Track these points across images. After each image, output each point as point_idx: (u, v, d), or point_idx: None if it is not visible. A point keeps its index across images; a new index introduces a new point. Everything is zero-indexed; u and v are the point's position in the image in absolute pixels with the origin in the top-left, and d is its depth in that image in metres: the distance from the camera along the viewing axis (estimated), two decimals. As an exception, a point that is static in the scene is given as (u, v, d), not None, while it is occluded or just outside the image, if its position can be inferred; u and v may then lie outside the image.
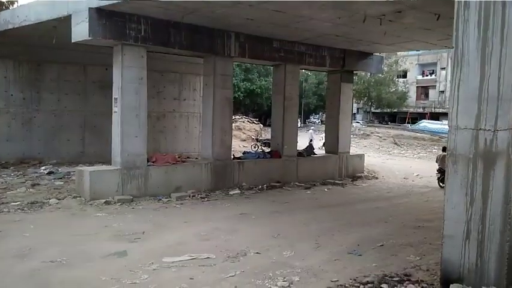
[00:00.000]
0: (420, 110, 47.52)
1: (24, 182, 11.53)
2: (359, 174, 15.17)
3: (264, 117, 40.34)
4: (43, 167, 13.96)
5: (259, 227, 8.45)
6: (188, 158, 12.64)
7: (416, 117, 46.76)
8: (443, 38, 11.99)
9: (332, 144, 15.02)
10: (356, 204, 11.06)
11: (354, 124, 40.80)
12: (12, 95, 14.99)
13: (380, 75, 35.90)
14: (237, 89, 33.97)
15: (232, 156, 12.80)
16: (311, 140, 19.09)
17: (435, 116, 44.70)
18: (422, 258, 6.81)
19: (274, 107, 13.69)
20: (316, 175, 13.94)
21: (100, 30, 9.44)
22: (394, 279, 5.82)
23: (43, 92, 15.55)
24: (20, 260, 6.10)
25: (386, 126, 40.95)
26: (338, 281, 5.75)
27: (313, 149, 14.80)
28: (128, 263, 6.16)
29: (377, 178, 15.15)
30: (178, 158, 11.71)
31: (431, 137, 34.28)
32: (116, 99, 10.37)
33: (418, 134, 34.87)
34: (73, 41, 9.87)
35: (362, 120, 47.63)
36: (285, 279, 5.71)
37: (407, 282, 5.69)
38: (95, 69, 16.33)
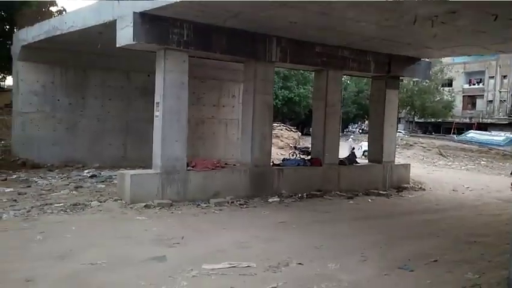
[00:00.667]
0: (467, 120, 45.41)
1: (68, 185, 11.74)
2: (405, 185, 14.46)
3: (301, 125, 39.88)
4: (86, 171, 14.26)
5: (300, 236, 8.10)
6: (226, 164, 12.43)
7: (462, 128, 44.75)
8: (498, 41, 11.26)
9: (376, 153, 14.42)
10: (402, 217, 10.46)
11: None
12: (58, 100, 15.49)
13: (425, 83, 34.62)
14: (275, 96, 33.68)
15: (272, 163, 12.51)
16: (353, 148, 18.50)
17: (483, 127, 42.58)
18: (481, 276, 6.23)
19: (315, 113, 13.32)
20: (359, 184, 13.40)
21: (144, 35, 9.48)
22: (452, 298, 5.31)
23: (88, 97, 15.98)
24: (60, 261, 6.07)
25: (430, 136, 39.36)
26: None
27: (356, 157, 14.27)
28: (168, 269, 5.99)
29: (424, 190, 14.38)
30: (217, 163, 11.54)
31: (479, 148, 32.57)
32: (158, 103, 10.38)
33: (465, 145, 33.23)
34: (117, 46, 9.96)
35: (404, 130, 46.11)
36: (331, 294, 5.34)
37: (467, 302, 5.17)
38: (138, 75, 16.62)
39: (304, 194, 12.06)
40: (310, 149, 22.32)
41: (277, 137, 26.37)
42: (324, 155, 12.86)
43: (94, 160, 15.59)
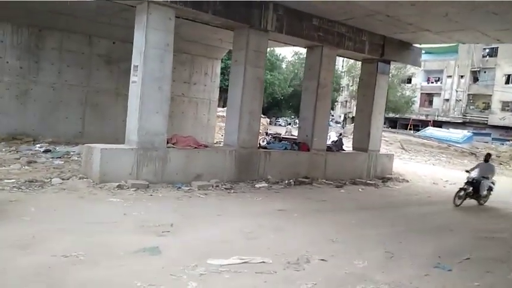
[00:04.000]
0: (423, 118, 46.54)
1: (19, 159, 9.91)
2: (388, 176, 13.85)
3: (268, 113, 38.97)
4: (38, 145, 12.34)
5: (307, 226, 7.04)
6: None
7: (417, 125, 45.80)
8: (503, 28, 10.73)
9: (362, 141, 13.65)
10: (402, 208, 9.71)
11: (342, 127, 39.70)
12: (7, 62, 13.29)
13: (391, 77, 34.71)
14: (225, 84, 32.51)
15: (258, 146, 11.34)
16: (340, 134, 17.70)
17: (438, 125, 43.73)
18: (526, 278, 5.49)
19: (305, 94, 12.24)
20: (345, 173, 12.57)
21: (125, -17, 7.90)
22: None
23: (42, 61, 13.87)
24: (22, 252, 4.58)
25: (391, 131, 39.82)
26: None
27: (343, 144, 13.43)
28: (166, 264, 4.69)
29: (407, 181, 13.83)
30: (200, 142, 10.20)
31: (439, 144, 33.22)
32: (136, 67, 8.83)
33: (426, 141, 33.79)
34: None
35: (346, 125, 46.52)
36: (377, 299, 4.31)
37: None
38: (102, 42, 14.77)
39: (291, 180, 11.02)
40: (281, 135, 21.49)
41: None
42: (312, 140, 11.85)
43: (46, 134, 13.61)
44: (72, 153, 11.59)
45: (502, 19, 9.83)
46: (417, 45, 14.10)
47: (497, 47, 41.52)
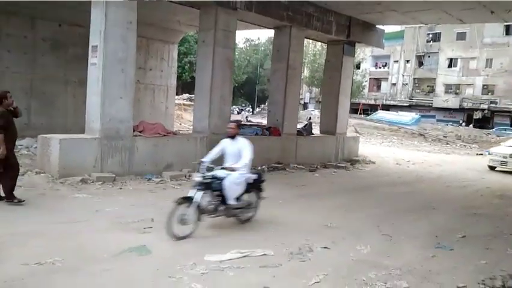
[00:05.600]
0: (372, 102, 47.83)
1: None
2: (355, 158, 13.83)
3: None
4: (-22, 139, 10.97)
5: (297, 213, 6.68)
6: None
7: (367, 109, 47.01)
8: (466, 7, 10.86)
9: (329, 124, 13.47)
10: (379, 189, 9.61)
11: (312, 112, 39.96)
12: None
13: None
14: (181, 69, 31.66)
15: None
16: (310, 118, 17.44)
17: (386, 108, 45.14)
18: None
19: (274, 76, 11.79)
20: (315, 157, 12.35)
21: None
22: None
23: (-21, 45, 12.37)
24: (-16, 263, 3.80)
25: (343, 115, 40.57)
26: (465, 286, 4.16)
27: (312, 128, 13.16)
28: (161, 265, 4.11)
29: (374, 163, 13.87)
30: (169, 130, 9.48)
31: (390, 127, 34.29)
32: (95, 47, 7.91)
33: (378, 124, 34.75)
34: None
35: (315, 110, 46.98)
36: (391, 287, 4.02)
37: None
38: (46, 25, 13.38)
39: (264, 166, 10.60)
40: (242, 122, 20.95)
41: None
42: (283, 124, 11.47)
43: (-14, 127, 12.18)
44: (20, 146, 10.42)
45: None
46: (380, 27, 14.07)
47: (440, 32, 43.34)
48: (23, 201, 5.77)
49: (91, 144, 7.83)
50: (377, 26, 13.84)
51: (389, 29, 14.38)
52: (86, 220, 5.38)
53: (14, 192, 5.81)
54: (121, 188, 7.40)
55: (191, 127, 20.69)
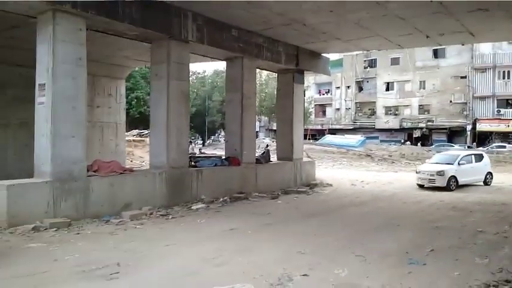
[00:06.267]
0: (319, 127, 49.31)
1: None
2: (313, 182, 14.01)
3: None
4: None
5: (269, 242, 6.54)
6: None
7: (315, 134, 48.35)
8: (404, 33, 11.62)
9: (286, 150, 13.62)
10: (341, 211, 9.72)
11: (263, 140, 40.41)
12: None
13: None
14: (129, 104, 31.18)
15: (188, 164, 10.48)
16: (267, 146, 17.45)
17: (333, 132, 46.68)
18: (487, 257, 5.70)
19: (229, 107, 11.82)
20: (275, 183, 12.37)
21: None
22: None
23: None
24: None
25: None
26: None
27: (270, 155, 13.22)
28: (137, 313, 3.79)
29: (331, 185, 14.10)
30: (125, 167, 9.10)
31: (338, 150, 35.34)
32: (42, 85, 7.53)
33: (327, 148, 35.72)
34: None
35: (266, 138, 47.63)
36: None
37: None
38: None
39: (226, 197, 10.42)
40: (196, 154, 20.63)
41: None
42: (242, 154, 11.42)
43: None
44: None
45: (406, 24, 10.61)
46: (326, 55, 14.66)
47: (376, 58, 46.04)
48: None
49: (41, 188, 7.30)
50: (322, 54, 14.42)
51: (329, 57, 14.98)
52: (45, 272, 4.91)
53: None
54: (78, 233, 6.90)
55: (143, 163, 20.26)
